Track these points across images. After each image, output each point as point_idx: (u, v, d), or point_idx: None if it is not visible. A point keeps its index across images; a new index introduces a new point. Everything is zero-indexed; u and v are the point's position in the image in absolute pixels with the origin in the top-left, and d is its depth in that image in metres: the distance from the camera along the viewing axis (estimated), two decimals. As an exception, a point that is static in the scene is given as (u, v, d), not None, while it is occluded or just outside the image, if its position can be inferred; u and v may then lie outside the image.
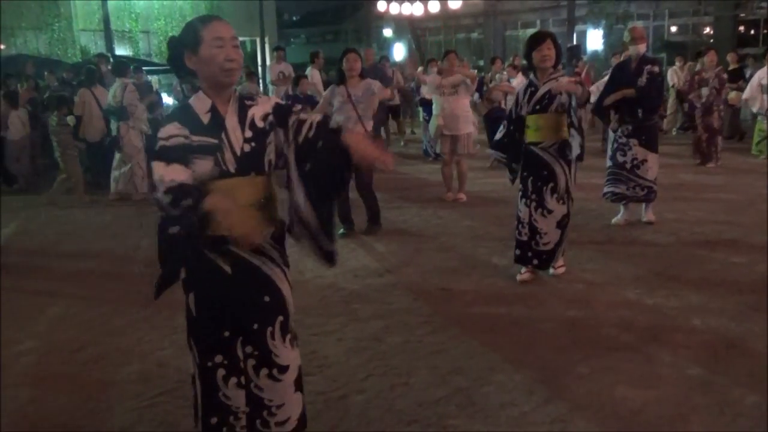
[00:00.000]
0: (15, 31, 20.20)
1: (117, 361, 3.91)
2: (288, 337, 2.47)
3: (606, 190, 6.59)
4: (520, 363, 3.64)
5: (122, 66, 9.65)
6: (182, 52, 2.29)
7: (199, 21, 2.31)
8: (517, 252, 5.01)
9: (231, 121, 2.33)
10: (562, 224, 4.90)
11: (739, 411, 3.09)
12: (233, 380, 2.40)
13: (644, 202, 6.45)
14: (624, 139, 6.35)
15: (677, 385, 3.34)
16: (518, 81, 10.03)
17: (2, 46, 19.50)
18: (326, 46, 31.24)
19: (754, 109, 10.53)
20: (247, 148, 2.31)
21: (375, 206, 6.63)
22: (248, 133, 2.33)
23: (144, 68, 11.98)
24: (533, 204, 4.87)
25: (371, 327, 4.24)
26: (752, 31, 22.97)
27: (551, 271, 5.03)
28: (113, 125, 9.13)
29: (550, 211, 4.85)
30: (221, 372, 2.38)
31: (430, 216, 7.30)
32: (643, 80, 6.15)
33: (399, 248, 6.03)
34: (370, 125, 6.41)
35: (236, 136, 2.31)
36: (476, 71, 11.56)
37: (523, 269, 5.03)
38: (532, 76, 4.89)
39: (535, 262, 4.96)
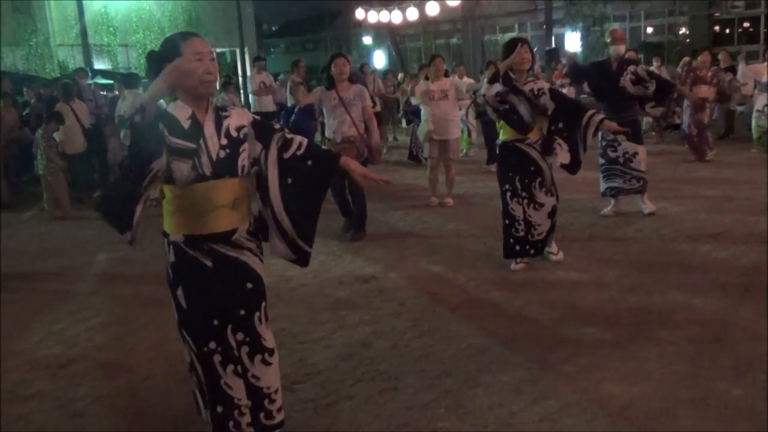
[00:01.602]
0: (-9, 47, 19.99)
1: (104, 375, 3.88)
2: (267, 321, 2.72)
3: (604, 186, 6.78)
4: (507, 363, 3.67)
5: (133, 78, 9.68)
6: (162, 65, 2.42)
7: (180, 36, 2.52)
8: (517, 248, 5.26)
9: (209, 128, 2.52)
10: (552, 213, 5.26)
11: (725, 404, 3.13)
12: (230, 367, 2.61)
13: (640, 192, 6.67)
14: (611, 136, 6.45)
15: (663, 381, 3.38)
16: None
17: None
18: (306, 55, 31.27)
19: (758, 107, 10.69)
20: (222, 154, 2.52)
21: (363, 210, 6.65)
22: (224, 141, 2.53)
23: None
24: (525, 201, 5.17)
25: (359, 333, 4.24)
26: (727, 30, 23.26)
27: (552, 257, 5.35)
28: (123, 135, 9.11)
29: (541, 205, 5.20)
30: (217, 357, 2.59)
31: (414, 221, 7.32)
32: (625, 80, 6.36)
33: (385, 254, 6.04)
34: (362, 128, 6.48)
35: (213, 143, 2.51)
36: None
37: (517, 260, 5.31)
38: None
39: (532, 252, 5.29)
